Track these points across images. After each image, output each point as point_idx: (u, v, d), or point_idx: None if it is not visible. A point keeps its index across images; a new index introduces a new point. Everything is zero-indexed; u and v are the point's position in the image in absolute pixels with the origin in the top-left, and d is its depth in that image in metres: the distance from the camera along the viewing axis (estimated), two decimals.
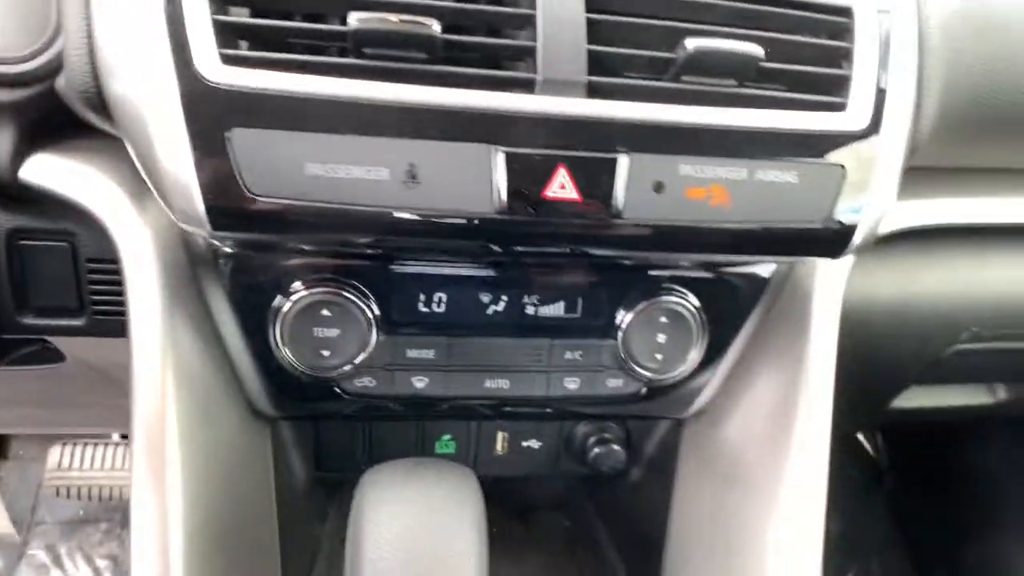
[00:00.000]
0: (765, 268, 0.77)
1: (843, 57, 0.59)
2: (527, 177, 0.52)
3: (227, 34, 0.50)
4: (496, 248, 0.56)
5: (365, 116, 0.50)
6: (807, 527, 0.72)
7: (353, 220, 0.52)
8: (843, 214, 0.58)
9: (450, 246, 0.56)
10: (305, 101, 0.50)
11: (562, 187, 0.53)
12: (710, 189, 0.55)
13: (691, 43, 0.54)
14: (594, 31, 0.53)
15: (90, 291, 0.72)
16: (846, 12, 0.60)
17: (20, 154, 0.64)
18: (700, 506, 0.82)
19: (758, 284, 0.76)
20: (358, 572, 0.52)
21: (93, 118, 0.61)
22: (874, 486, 1.96)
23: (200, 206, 0.50)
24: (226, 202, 0.50)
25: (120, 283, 0.67)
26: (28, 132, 0.64)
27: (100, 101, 0.56)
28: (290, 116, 0.50)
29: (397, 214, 0.52)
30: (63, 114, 0.62)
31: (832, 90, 0.59)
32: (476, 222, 0.53)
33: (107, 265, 0.69)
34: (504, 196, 0.52)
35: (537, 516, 0.96)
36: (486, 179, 0.52)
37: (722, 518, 0.78)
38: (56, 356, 0.95)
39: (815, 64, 0.59)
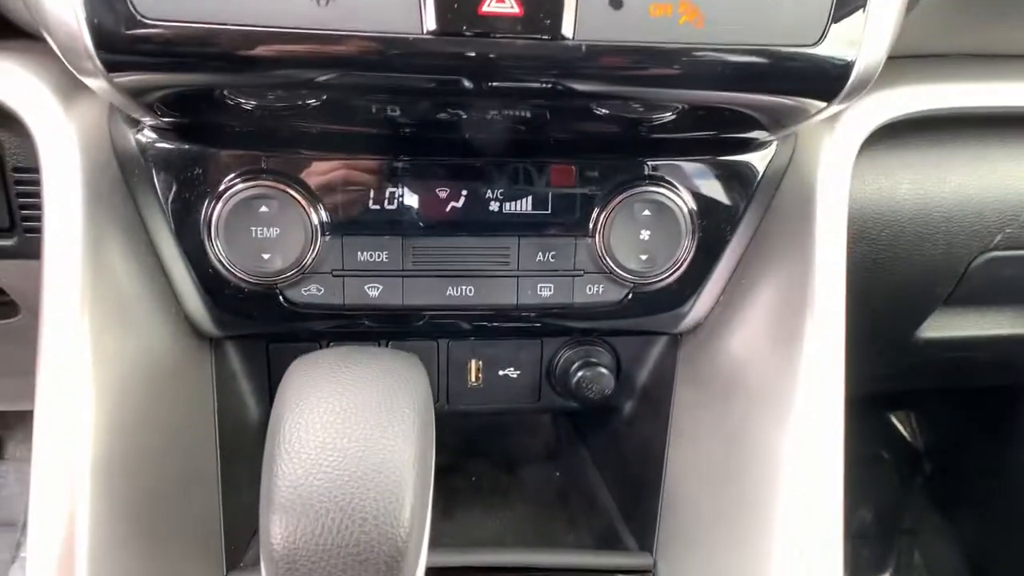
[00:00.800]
0: (759, 157, 0.68)
1: None
2: None
3: None
4: (428, 88, 0.49)
5: None
6: (825, 437, 0.62)
7: (259, 46, 0.45)
8: (836, 43, 0.49)
9: (374, 82, 0.48)
10: None
11: (501, 0, 0.45)
12: (677, 3, 0.46)
13: None
14: None
15: (19, 205, 0.66)
16: None
17: None
18: (700, 432, 0.72)
19: (752, 174, 0.68)
20: (274, 464, 0.43)
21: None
22: (911, 471, 1.83)
23: (87, 39, 0.44)
24: (113, 28, 0.43)
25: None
26: None
27: None
28: None
29: (308, 35, 0.44)
30: None
31: None
32: (401, 45, 0.45)
33: (35, 175, 0.63)
34: (433, 12, 0.44)
35: (526, 466, 0.87)
36: None
37: (725, 441, 0.68)
38: (8, 311, 0.89)
39: None
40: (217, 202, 0.61)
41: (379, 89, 0.50)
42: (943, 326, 0.90)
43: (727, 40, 0.48)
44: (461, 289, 0.66)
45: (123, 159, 0.62)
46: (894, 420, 1.89)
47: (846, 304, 0.67)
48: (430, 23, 0.45)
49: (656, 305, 0.71)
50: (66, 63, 0.47)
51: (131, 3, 0.43)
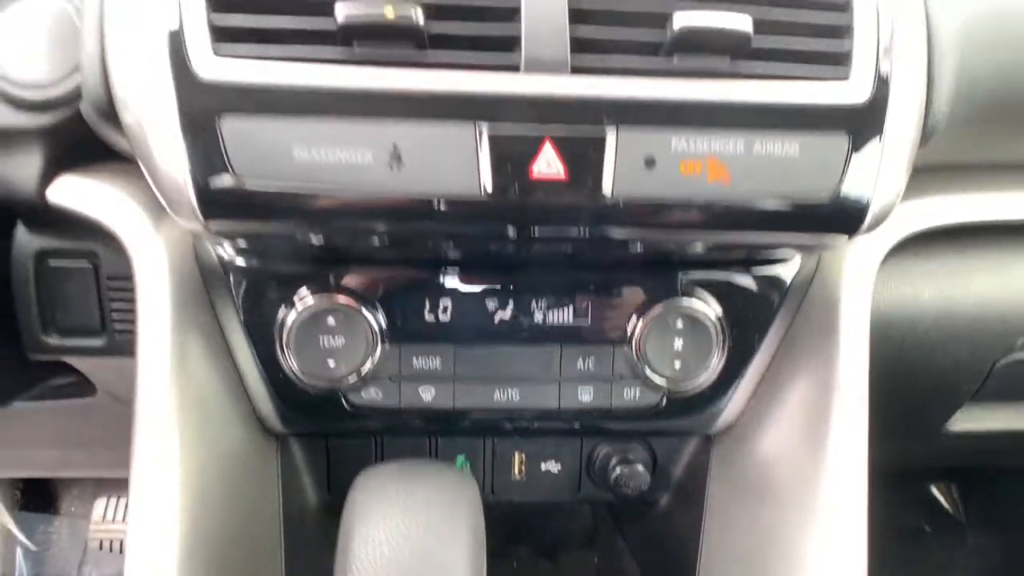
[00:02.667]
0: (787, 269, 0.73)
1: (844, 30, 0.58)
2: (512, 156, 0.51)
3: (222, 33, 0.52)
4: (486, 235, 0.55)
5: (349, 100, 0.51)
6: (847, 542, 0.65)
7: (339, 205, 0.52)
8: (852, 189, 0.55)
9: (438, 231, 0.55)
10: (293, 90, 0.51)
11: (548, 165, 0.52)
12: (706, 163, 0.53)
13: (679, 20, 0.53)
14: (578, 16, 0.53)
15: (111, 309, 0.74)
16: None
17: (47, 176, 0.67)
18: (732, 529, 0.76)
19: (779, 286, 0.72)
20: (346, 573, 0.49)
21: (110, 134, 0.64)
22: (955, 545, 1.79)
23: (191, 193, 0.51)
24: (215, 188, 0.51)
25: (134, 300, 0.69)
26: (55, 155, 0.67)
27: (113, 112, 0.59)
28: (277, 102, 0.51)
29: (382, 197, 0.51)
30: (87, 137, 0.65)
31: (833, 63, 0.56)
32: (462, 205, 0.52)
33: (126, 283, 0.71)
34: (489, 176, 0.51)
35: (566, 553, 0.90)
36: (471, 159, 0.51)
37: (756, 538, 0.71)
38: (87, 389, 0.97)
39: (815, 36, 0.57)
40: (289, 314, 0.68)
41: (440, 236, 0.56)
42: (973, 419, 0.92)
43: (751, 193, 0.54)
44: (507, 393, 0.71)
45: (205, 272, 0.70)
46: (935, 492, 1.86)
47: (875, 401, 0.70)
48: (487, 187, 0.51)
49: (689, 408, 0.75)
50: (166, 205, 0.54)
51: (232, 167, 0.51)
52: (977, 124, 0.73)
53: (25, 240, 0.73)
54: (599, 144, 0.52)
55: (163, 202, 0.54)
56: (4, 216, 0.72)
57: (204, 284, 0.70)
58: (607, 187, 0.52)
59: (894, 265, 0.78)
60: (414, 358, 0.70)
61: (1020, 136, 0.78)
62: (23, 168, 0.67)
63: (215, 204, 0.52)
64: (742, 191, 0.53)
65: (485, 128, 0.51)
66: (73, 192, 0.67)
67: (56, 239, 0.73)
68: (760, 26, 0.54)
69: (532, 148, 0.51)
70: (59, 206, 0.67)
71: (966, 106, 0.69)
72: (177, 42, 0.52)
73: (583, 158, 0.52)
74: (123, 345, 0.75)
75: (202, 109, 0.51)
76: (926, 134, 0.64)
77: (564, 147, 0.52)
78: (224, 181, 0.51)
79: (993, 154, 0.80)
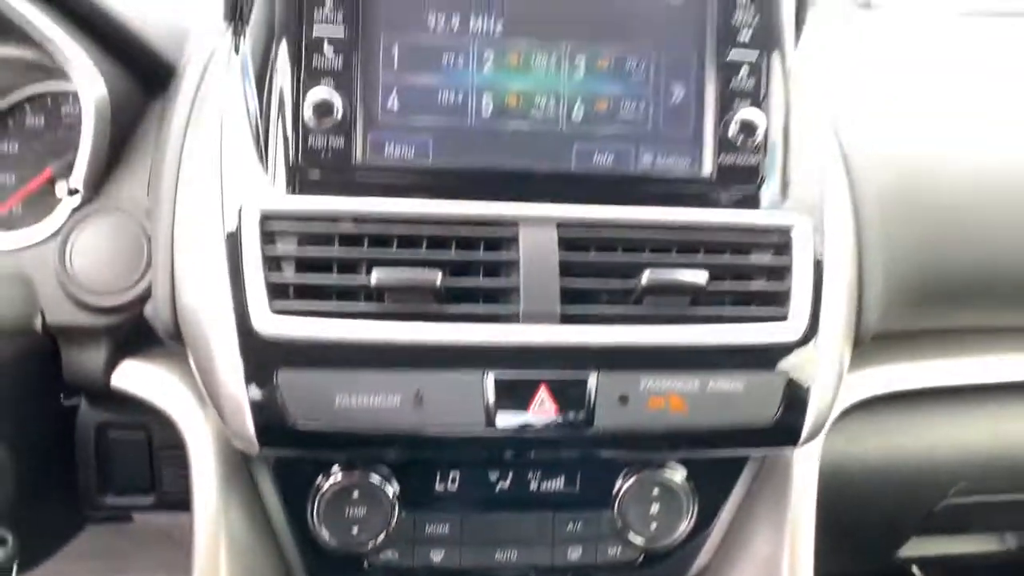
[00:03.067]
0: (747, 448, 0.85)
1: (784, 272, 0.71)
2: (513, 397, 0.64)
3: (277, 290, 0.65)
4: (490, 456, 0.68)
5: (381, 354, 0.64)
6: None
7: (372, 438, 0.64)
8: (788, 414, 0.68)
9: (451, 454, 0.68)
10: (336, 345, 0.64)
11: (542, 404, 0.64)
12: (668, 399, 0.65)
13: (646, 276, 0.66)
14: (566, 268, 0.67)
15: (161, 473, 0.86)
16: (786, 231, 0.72)
17: (111, 365, 0.79)
18: None
19: (740, 460, 0.85)
20: None
21: (170, 343, 0.76)
22: None
23: (252, 430, 0.64)
24: (273, 428, 0.63)
25: (184, 466, 0.80)
26: (118, 347, 0.80)
27: (178, 335, 0.72)
28: (323, 358, 0.64)
29: (407, 432, 0.64)
30: (146, 330, 0.77)
31: (774, 303, 0.70)
32: (472, 436, 0.64)
33: (175, 451, 0.83)
34: (495, 415, 0.64)
35: None
36: (479, 401, 0.64)
37: None
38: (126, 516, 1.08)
39: (760, 278, 0.70)
40: (320, 488, 0.79)
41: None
42: (921, 548, 1.04)
43: (706, 422, 0.66)
44: (507, 553, 0.83)
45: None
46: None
47: (827, 536, 0.81)
48: (493, 424, 0.64)
49: (665, 561, 0.86)
50: (227, 430, 0.66)
51: (287, 411, 0.63)
52: (915, 304, 0.85)
53: (88, 414, 0.85)
54: (584, 386, 0.65)
55: (228, 431, 0.66)
56: (72, 394, 0.85)
57: (245, 458, 0.82)
58: (590, 421, 0.65)
59: (840, 428, 0.90)
60: (427, 525, 0.81)
61: (955, 308, 0.91)
62: (91, 359, 0.79)
63: (271, 437, 0.64)
64: (698, 420, 0.66)
65: (491, 375, 0.64)
66: (133, 379, 0.79)
67: (115, 414, 0.85)
68: (714, 272, 0.67)
69: (529, 391, 0.64)
70: (120, 389, 0.79)
71: (903, 293, 0.82)
72: (240, 298, 0.64)
73: (571, 398, 0.65)
74: (170, 501, 0.87)
75: (263, 363, 0.63)
76: (859, 340, 0.77)
77: (555, 389, 0.64)
78: (280, 422, 0.63)
79: (936, 323, 0.93)
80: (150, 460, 0.86)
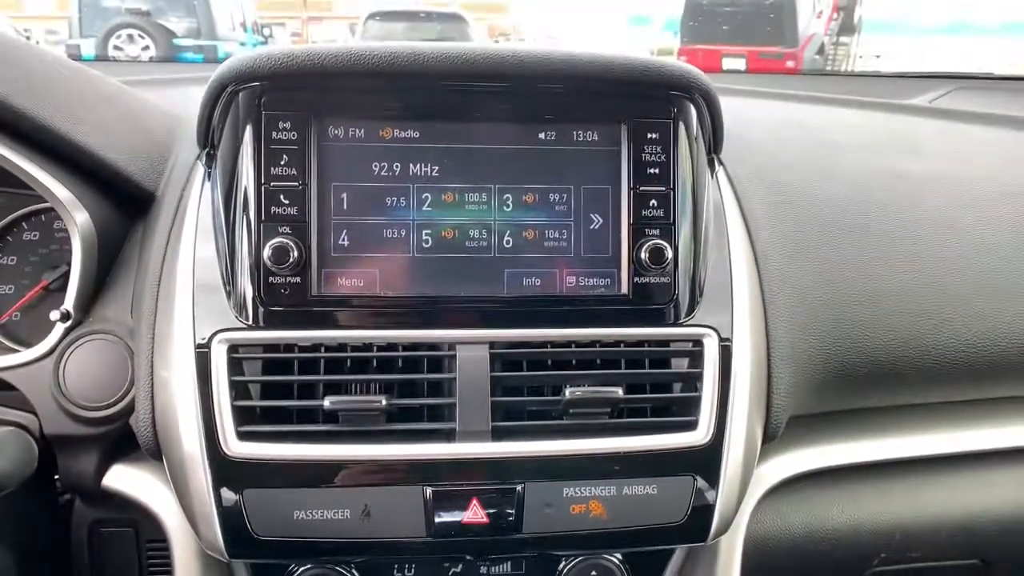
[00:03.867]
0: None
1: (695, 380, 0.80)
2: (449, 509, 0.73)
3: (243, 413, 0.74)
4: (432, 560, 0.77)
5: (333, 472, 0.73)
6: None
7: (328, 547, 0.73)
8: (696, 513, 0.76)
9: (397, 558, 0.77)
10: (293, 465, 0.73)
11: (475, 514, 0.73)
12: (588, 505, 0.74)
13: (569, 392, 0.75)
14: (497, 386, 0.76)
15: (148, 563, 0.94)
16: (698, 343, 0.81)
17: (102, 469, 0.88)
18: None
19: None
20: None
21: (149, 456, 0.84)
22: None
23: (222, 542, 0.72)
24: (239, 539, 0.72)
25: (170, 558, 0.89)
26: (108, 453, 0.88)
27: (157, 450, 0.80)
28: (283, 477, 0.73)
29: (356, 541, 0.73)
30: (132, 438, 0.86)
31: (686, 410, 0.79)
32: (413, 543, 0.73)
33: (161, 544, 0.91)
34: (434, 524, 0.73)
35: None
36: (420, 512, 0.73)
37: None
38: None
39: (674, 387, 0.79)
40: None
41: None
42: None
43: (622, 523, 0.75)
44: None
45: None
46: None
47: None
48: (432, 533, 0.73)
49: None
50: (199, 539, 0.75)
51: (251, 528, 0.72)
52: (823, 393, 0.94)
53: (81, 512, 0.93)
54: (512, 496, 0.73)
55: (201, 540, 0.75)
56: (66, 496, 0.93)
57: None
58: (518, 527, 0.73)
59: (768, 503, 0.98)
60: None
61: (863, 393, 0.99)
62: (83, 464, 0.87)
63: (238, 548, 0.73)
64: (615, 523, 0.75)
65: (429, 489, 0.73)
66: (122, 481, 0.88)
67: (106, 511, 0.93)
68: (633, 384, 0.76)
69: (464, 502, 0.73)
70: (111, 490, 0.87)
71: (812, 385, 0.90)
72: (210, 422, 0.73)
73: (500, 507, 0.73)
74: None
75: (230, 482, 0.72)
76: (770, 435, 0.86)
77: (486, 500, 0.73)
78: (246, 534, 0.72)
79: (846, 406, 1.01)
80: (138, 552, 0.94)
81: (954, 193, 1.06)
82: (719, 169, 0.91)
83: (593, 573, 0.90)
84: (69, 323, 0.87)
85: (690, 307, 0.82)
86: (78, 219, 0.85)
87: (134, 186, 0.90)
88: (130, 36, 6.49)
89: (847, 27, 6.48)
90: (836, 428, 1.00)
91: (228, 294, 0.78)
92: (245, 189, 0.78)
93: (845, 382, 0.93)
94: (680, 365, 0.81)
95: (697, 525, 0.77)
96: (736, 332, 0.82)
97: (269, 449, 0.73)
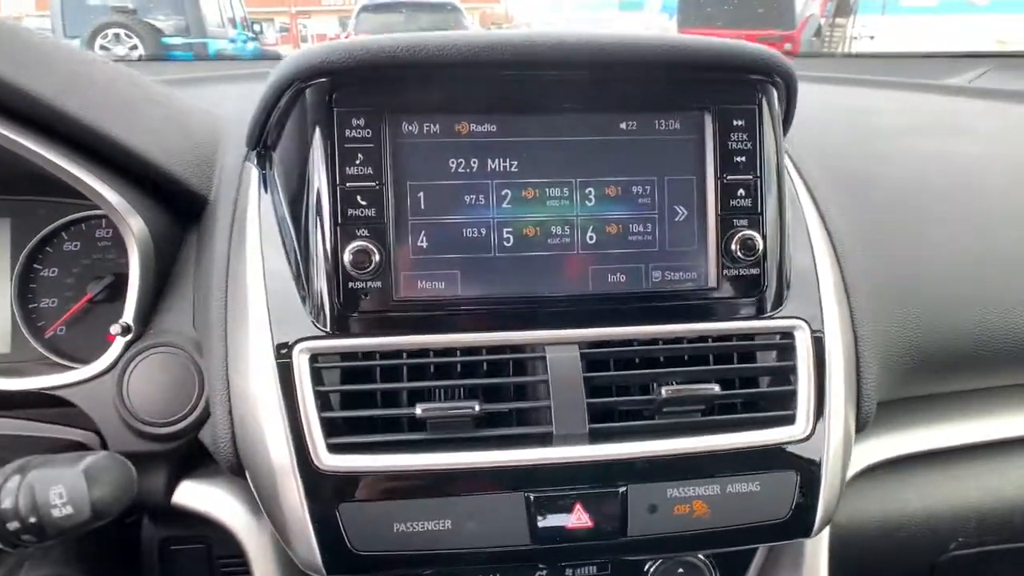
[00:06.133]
0: None
1: (789, 373, 0.78)
2: (552, 514, 0.71)
3: (330, 425, 0.72)
4: (533, 569, 0.75)
5: (431, 484, 0.70)
6: None
7: (427, 559, 0.71)
8: (802, 508, 0.75)
9: (495, 568, 0.75)
10: (389, 476, 0.70)
11: (579, 518, 0.71)
12: (692, 505, 0.72)
13: (664, 391, 0.73)
14: (591, 387, 0.73)
15: None
16: (787, 336, 0.79)
17: (171, 485, 0.85)
18: None
19: None
20: None
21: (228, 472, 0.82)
22: None
23: (319, 559, 0.70)
24: (336, 556, 0.70)
25: (244, 572, 0.86)
26: (176, 469, 0.85)
27: (239, 467, 0.78)
28: (379, 490, 0.70)
29: (458, 552, 0.70)
30: (200, 452, 0.83)
31: (780, 404, 0.77)
32: (517, 551, 0.71)
33: (234, 559, 0.89)
34: (537, 530, 0.70)
35: None
36: (523, 520, 0.71)
37: None
38: None
39: (766, 381, 0.78)
40: None
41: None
42: None
43: (726, 523, 0.73)
44: None
45: None
46: None
47: None
48: (537, 541, 0.70)
49: None
50: (295, 558, 0.72)
51: (350, 544, 0.69)
52: (909, 379, 0.92)
53: (151, 530, 0.90)
54: (616, 500, 0.71)
55: (295, 559, 0.72)
56: (133, 512, 0.90)
57: None
58: (623, 531, 0.71)
59: (847, 493, 0.97)
60: None
61: (946, 378, 0.97)
62: (152, 482, 0.85)
63: (336, 564, 0.70)
64: (719, 522, 0.73)
65: (532, 495, 0.71)
66: (193, 496, 0.85)
67: (176, 528, 0.90)
68: (725, 380, 0.74)
69: (567, 507, 0.71)
70: (181, 506, 0.85)
71: (897, 371, 0.89)
72: (299, 436, 0.71)
73: (604, 511, 0.71)
74: None
75: (325, 497, 0.70)
76: (861, 425, 0.84)
77: (590, 504, 0.71)
78: (344, 550, 0.69)
79: (929, 391, 1.00)
80: (210, 570, 0.91)
81: (1013, 174, 1.05)
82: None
83: (680, 570, 0.89)
84: (130, 336, 0.84)
85: (778, 298, 0.80)
86: (133, 226, 0.81)
87: (187, 190, 0.87)
88: (116, 35, 6.35)
89: (843, 8, 6.46)
90: (913, 414, 0.99)
91: (303, 300, 0.75)
92: (318, 191, 0.74)
93: (925, 368, 0.92)
94: (767, 359, 0.79)
95: (801, 520, 0.75)
96: (826, 322, 0.80)
97: (363, 461, 0.70)
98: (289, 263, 0.78)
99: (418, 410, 0.71)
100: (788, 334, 0.79)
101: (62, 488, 0.55)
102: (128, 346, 0.83)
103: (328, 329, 0.74)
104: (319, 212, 0.74)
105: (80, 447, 0.85)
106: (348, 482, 0.70)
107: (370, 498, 0.70)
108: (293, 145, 0.77)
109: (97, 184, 0.78)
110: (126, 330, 0.84)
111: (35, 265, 0.97)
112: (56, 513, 0.55)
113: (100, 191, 0.78)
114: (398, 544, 0.69)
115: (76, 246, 0.98)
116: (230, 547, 0.87)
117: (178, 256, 0.89)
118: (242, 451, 0.75)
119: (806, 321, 0.79)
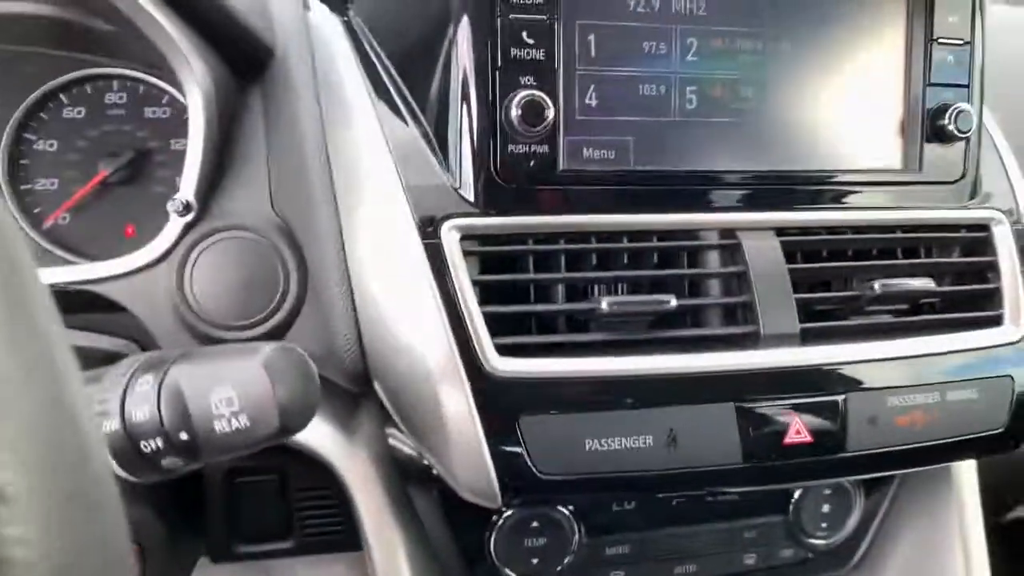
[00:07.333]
0: None
1: (991, 270, 0.69)
2: (767, 428, 0.59)
3: (497, 324, 0.57)
4: (736, 492, 0.63)
5: (630, 391, 0.57)
6: None
7: (624, 482, 0.58)
8: (1019, 416, 0.66)
9: (699, 494, 0.63)
10: (577, 383, 0.57)
11: (797, 432, 0.60)
12: (912, 415, 0.62)
13: (878, 285, 0.62)
14: (796, 281, 0.62)
15: (299, 517, 0.77)
16: (984, 227, 0.70)
17: None
18: None
19: None
20: None
21: (345, 384, 0.66)
22: None
23: (496, 485, 0.56)
24: (518, 481, 0.56)
25: (327, 506, 0.72)
26: None
27: (366, 380, 0.62)
28: (568, 400, 0.56)
29: (661, 474, 0.58)
30: None
31: (986, 304, 0.68)
32: (725, 471, 0.59)
33: (315, 491, 0.74)
34: (750, 447, 0.59)
35: None
36: (734, 434, 0.59)
37: None
38: None
39: (972, 277, 0.68)
40: (497, 520, 0.73)
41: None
42: None
43: (944, 435, 0.64)
44: (685, 567, 0.79)
45: (408, 477, 0.73)
46: None
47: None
48: (752, 457, 0.59)
49: (830, 555, 0.85)
50: (458, 488, 0.58)
51: (533, 465, 0.56)
52: None
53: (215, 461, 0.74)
54: (835, 411, 0.61)
55: (455, 484, 0.58)
56: None
57: (403, 486, 0.74)
58: (843, 446, 0.61)
59: None
60: (606, 548, 0.76)
61: None
62: None
63: (517, 490, 0.57)
64: (938, 434, 0.64)
65: (744, 405, 0.59)
66: None
67: (244, 459, 0.74)
68: (936, 275, 0.64)
69: (782, 421, 0.60)
70: None
71: None
72: (462, 337, 0.56)
73: (823, 424, 0.60)
74: (310, 545, 0.78)
75: (502, 410, 0.55)
76: None
77: (808, 416, 0.60)
78: (525, 474, 0.56)
79: None
80: (286, 504, 0.76)
81: None
82: None
83: (827, 491, 0.81)
84: (190, 217, 0.66)
85: (976, 187, 0.70)
86: (197, 71, 0.62)
87: (250, 38, 0.67)
88: None
89: None
90: None
91: (444, 167, 0.60)
92: (463, 27, 0.58)
93: None
94: (972, 254, 0.70)
95: (1016, 429, 0.67)
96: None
97: (543, 365, 0.56)
98: (415, 123, 0.62)
99: (603, 304, 0.57)
100: (985, 227, 0.70)
101: (231, 391, 0.38)
102: (187, 229, 0.65)
103: (476, 204, 0.59)
104: (474, 55, 0.57)
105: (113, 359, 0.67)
106: (528, 391, 0.56)
107: (553, 410, 0.56)
108: None
109: (167, 23, 0.58)
110: (186, 208, 0.65)
111: (27, 135, 0.76)
112: (222, 427, 0.38)
113: (159, 18, 0.59)
114: (591, 465, 0.56)
115: (79, 113, 0.77)
116: (312, 477, 0.72)
117: (241, 123, 0.70)
118: (373, 356, 0.60)
119: (1005, 212, 0.70)
